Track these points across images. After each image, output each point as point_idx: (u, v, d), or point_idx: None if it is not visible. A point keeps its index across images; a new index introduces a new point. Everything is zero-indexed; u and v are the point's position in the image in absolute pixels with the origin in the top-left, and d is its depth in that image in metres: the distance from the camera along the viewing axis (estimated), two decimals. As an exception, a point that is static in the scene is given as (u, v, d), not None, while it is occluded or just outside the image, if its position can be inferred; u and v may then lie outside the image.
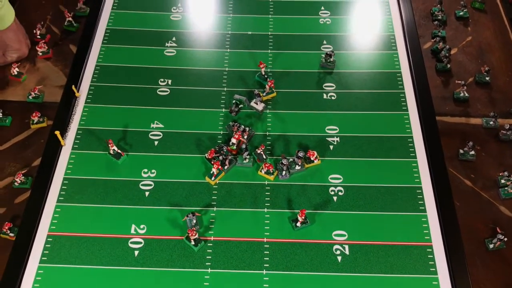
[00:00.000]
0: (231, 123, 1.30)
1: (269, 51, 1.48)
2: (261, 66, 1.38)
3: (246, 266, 1.09)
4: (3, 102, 1.39)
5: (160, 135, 1.30)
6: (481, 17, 1.61)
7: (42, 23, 1.55)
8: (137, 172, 1.23)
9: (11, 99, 1.40)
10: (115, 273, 1.08)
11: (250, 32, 1.52)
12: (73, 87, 1.35)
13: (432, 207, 1.18)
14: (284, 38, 1.51)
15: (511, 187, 1.22)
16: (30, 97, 1.39)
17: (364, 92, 1.39)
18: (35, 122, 1.34)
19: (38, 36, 1.52)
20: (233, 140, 1.25)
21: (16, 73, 1.44)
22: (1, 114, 1.34)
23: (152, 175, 1.23)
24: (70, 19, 1.55)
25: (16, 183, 1.23)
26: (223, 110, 1.35)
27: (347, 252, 1.12)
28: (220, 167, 1.21)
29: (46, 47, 1.49)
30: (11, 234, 1.15)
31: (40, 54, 1.49)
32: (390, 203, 1.18)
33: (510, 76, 1.46)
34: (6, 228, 1.14)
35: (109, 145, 1.23)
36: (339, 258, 1.11)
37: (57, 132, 1.24)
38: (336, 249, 1.12)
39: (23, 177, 1.23)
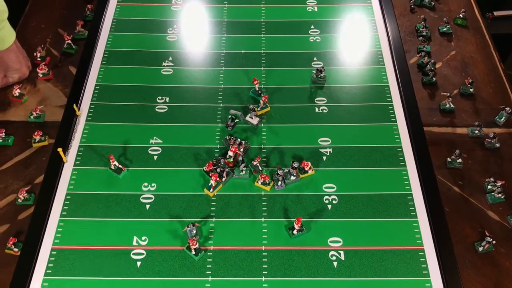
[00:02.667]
0: (227, 137, 1.35)
1: (262, 68, 1.54)
2: (255, 82, 1.44)
3: (245, 274, 1.13)
4: (5, 122, 1.43)
5: (159, 150, 1.34)
6: (464, 33, 1.69)
7: (42, 45, 1.60)
8: (138, 186, 1.27)
9: (13, 119, 1.44)
10: (118, 284, 1.11)
11: (243, 51, 1.58)
12: (74, 105, 1.39)
13: (422, 213, 1.23)
14: (276, 56, 1.57)
15: (498, 192, 1.27)
16: (32, 117, 1.43)
17: (354, 105, 1.44)
18: (36, 141, 1.37)
19: (39, 59, 1.57)
20: (230, 153, 1.29)
21: (17, 94, 1.48)
22: (3, 134, 1.37)
23: (152, 189, 1.27)
24: (69, 41, 1.61)
25: (19, 200, 1.26)
26: (220, 125, 1.40)
27: (342, 257, 1.16)
28: (218, 179, 1.25)
29: (47, 69, 1.54)
30: (16, 249, 1.17)
31: (41, 75, 1.54)
32: (382, 210, 1.23)
33: (493, 88, 1.53)
34: (11, 243, 1.17)
35: (111, 161, 1.27)
36: (335, 263, 1.15)
37: (60, 149, 1.28)
38: (332, 255, 1.16)
39: (26, 194, 1.26)
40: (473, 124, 1.42)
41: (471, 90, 1.50)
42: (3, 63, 1.47)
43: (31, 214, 1.24)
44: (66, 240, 1.18)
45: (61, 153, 1.29)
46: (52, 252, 1.16)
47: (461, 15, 1.70)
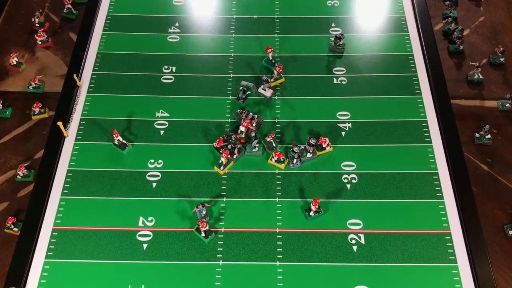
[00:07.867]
0: (239, 110, 1.27)
1: (275, 35, 1.44)
2: (269, 51, 1.35)
3: (258, 258, 1.07)
4: (3, 93, 1.35)
5: (166, 124, 1.27)
6: (494, -4, 1.57)
7: (40, 10, 1.51)
8: (143, 162, 1.20)
9: (10, 90, 1.36)
10: (123, 267, 1.06)
11: (255, 16, 1.48)
12: (74, 76, 1.32)
13: (449, 193, 1.15)
14: (291, 21, 1.48)
15: (530, 171, 1.19)
16: (30, 87, 1.35)
17: (376, 76, 1.36)
18: (36, 113, 1.30)
19: (37, 25, 1.48)
20: (242, 128, 1.22)
21: (15, 63, 1.40)
22: (1, 106, 1.30)
23: (159, 166, 1.20)
24: (70, 6, 1.51)
25: (18, 176, 1.20)
26: (230, 97, 1.32)
27: (362, 241, 1.09)
28: (229, 156, 1.18)
29: (45, 36, 1.45)
30: (15, 229, 1.12)
31: (39, 43, 1.45)
32: (406, 190, 1.16)
33: (526, 57, 1.42)
34: (10, 223, 1.12)
35: (114, 136, 1.20)
36: (355, 247, 1.08)
37: (60, 123, 1.21)
38: (352, 239, 1.09)
39: (25, 170, 1.20)
40: (504, 96, 1.33)
41: (502, 59, 1.40)
42: None
43: (31, 191, 1.17)
44: (67, 220, 1.12)
45: (62, 127, 1.21)
46: (53, 233, 1.10)
47: (491, -23, 1.58)
